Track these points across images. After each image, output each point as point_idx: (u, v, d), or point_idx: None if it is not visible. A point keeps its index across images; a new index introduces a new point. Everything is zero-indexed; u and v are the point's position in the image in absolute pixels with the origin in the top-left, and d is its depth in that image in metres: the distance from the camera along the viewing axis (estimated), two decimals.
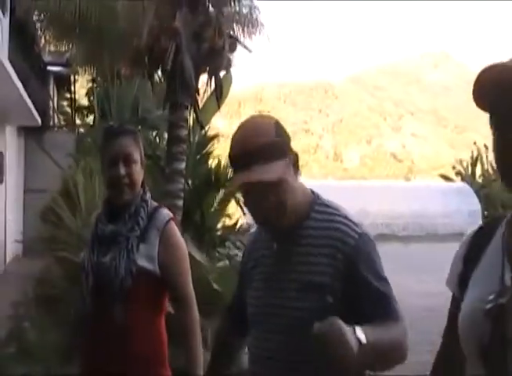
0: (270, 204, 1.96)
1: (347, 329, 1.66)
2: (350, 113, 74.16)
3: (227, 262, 6.85)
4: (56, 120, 23.37)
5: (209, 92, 7.22)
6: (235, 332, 2.40)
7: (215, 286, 4.65)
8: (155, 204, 2.88)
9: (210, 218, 7.41)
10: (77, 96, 23.68)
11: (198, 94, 6.57)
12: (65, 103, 26.70)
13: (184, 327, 2.78)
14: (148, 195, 2.84)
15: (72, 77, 22.45)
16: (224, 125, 73.93)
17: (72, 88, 23.29)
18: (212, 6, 6.54)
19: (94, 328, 2.81)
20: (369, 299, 1.96)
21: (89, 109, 20.04)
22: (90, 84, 19.84)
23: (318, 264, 1.99)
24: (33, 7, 15.11)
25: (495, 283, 1.46)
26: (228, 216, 8.53)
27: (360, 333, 1.71)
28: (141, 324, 2.75)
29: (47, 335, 4.87)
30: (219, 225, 7.99)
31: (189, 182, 7.53)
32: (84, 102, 22.59)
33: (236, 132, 1.98)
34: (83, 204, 4.51)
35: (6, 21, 14.24)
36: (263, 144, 1.89)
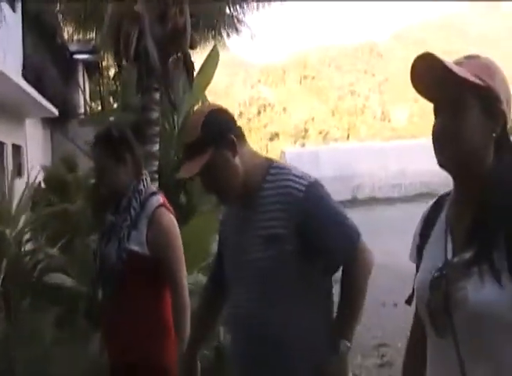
0: (212, 185, 2.37)
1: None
2: (395, 72, 72.50)
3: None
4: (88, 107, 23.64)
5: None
6: (216, 290, 2.66)
7: None
8: (152, 190, 3.17)
9: (195, 196, 7.43)
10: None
11: (168, 76, 6.58)
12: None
13: (173, 312, 3.03)
14: (142, 184, 3.10)
15: (100, 64, 22.66)
16: (270, 94, 73.57)
17: (102, 74, 23.52)
18: None
19: (102, 310, 3.24)
20: (329, 236, 2.26)
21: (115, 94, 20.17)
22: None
23: (275, 219, 2.26)
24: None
25: (440, 255, 1.61)
26: None
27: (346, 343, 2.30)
28: (139, 306, 3.02)
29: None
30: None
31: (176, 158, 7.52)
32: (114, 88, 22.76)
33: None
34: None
35: (18, 16, 14.34)
36: (189, 144, 2.32)
